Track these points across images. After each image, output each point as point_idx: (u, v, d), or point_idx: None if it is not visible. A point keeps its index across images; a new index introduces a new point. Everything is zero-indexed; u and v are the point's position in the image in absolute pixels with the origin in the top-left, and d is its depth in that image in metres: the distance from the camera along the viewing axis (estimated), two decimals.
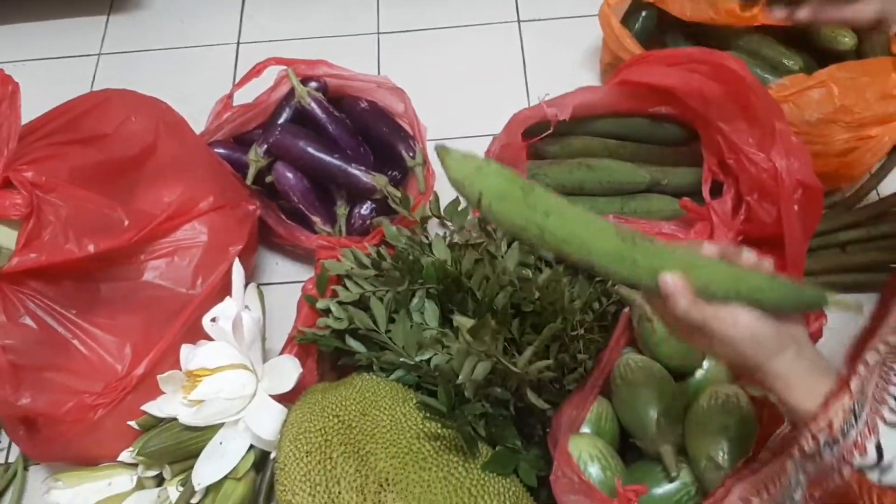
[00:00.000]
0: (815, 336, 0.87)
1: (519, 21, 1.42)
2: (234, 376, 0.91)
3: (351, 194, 1.12)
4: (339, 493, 0.75)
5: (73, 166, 0.89)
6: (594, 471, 0.78)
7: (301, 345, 0.95)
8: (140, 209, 0.94)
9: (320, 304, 0.93)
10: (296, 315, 0.97)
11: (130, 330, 0.91)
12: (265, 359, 0.95)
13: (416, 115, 1.12)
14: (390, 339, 0.88)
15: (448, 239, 0.96)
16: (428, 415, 0.81)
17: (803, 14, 0.74)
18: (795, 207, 0.92)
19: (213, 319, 0.93)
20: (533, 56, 1.37)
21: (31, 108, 0.91)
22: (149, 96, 1.03)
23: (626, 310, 0.90)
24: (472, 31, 1.41)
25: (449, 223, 1.01)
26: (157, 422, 0.92)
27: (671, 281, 0.56)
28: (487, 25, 1.42)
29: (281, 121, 1.13)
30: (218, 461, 0.89)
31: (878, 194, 1.13)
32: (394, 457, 0.76)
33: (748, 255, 0.59)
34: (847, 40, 1.08)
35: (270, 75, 1.15)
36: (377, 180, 1.07)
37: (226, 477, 0.89)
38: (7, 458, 1.03)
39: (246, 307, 0.97)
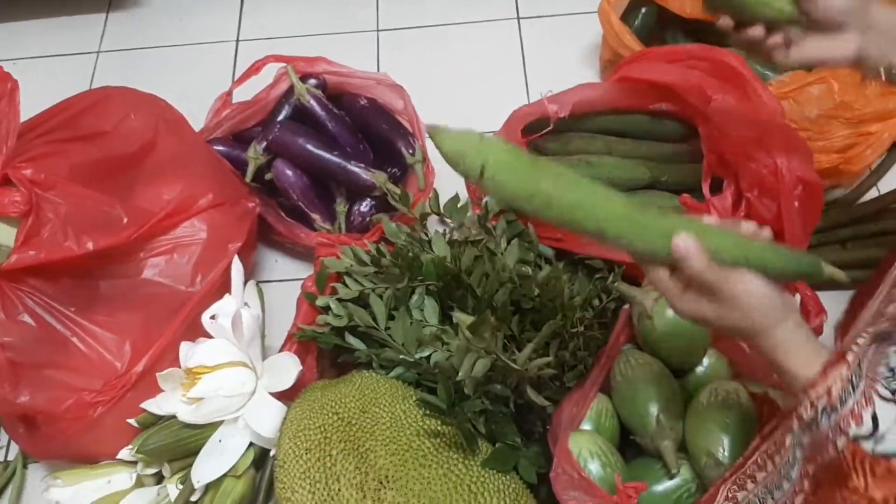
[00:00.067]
0: (817, 332, 0.87)
1: (518, 18, 1.42)
2: (233, 374, 0.91)
3: (350, 191, 1.12)
4: (339, 490, 0.75)
5: (73, 163, 0.89)
6: (594, 468, 0.78)
7: (300, 342, 0.94)
8: (139, 206, 0.94)
9: (320, 302, 0.93)
10: (295, 312, 0.97)
11: (130, 327, 0.91)
12: (265, 356, 0.95)
13: (416, 111, 1.12)
14: (390, 336, 0.88)
15: (448, 236, 0.96)
16: (427, 412, 0.81)
17: (779, 57, 0.73)
18: (796, 204, 0.92)
19: (213, 317, 0.93)
20: (533, 53, 1.37)
21: (31, 105, 0.91)
22: (148, 94, 1.03)
23: (626, 307, 0.90)
24: (472, 27, 1.41)
25: (448, 220, 1.01)
26: (157, 419, 0.92)
27: (685, 241, 0.56)
28: (487, 22, 1.42)
29: (280, 118, 1.13)
30: (217, 459, 0.89)
31: (878, 191, 1.13)
32: (393, 454, 0.76)
33: (748, 225, 0.60)
34: None
35: (270, 72, 1.15)
36: (377, 177, 1.07)
37: (225, 474, 0.89)
38: (6, 455, 1.03)
39: (245, 304, 0.96)
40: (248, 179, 1.10)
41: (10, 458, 1.02)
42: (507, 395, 0.85)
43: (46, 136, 0.90)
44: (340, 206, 1.12)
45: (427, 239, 0.97)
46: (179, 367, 0.92)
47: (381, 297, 0.89)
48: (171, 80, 1.35)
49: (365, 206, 1.11)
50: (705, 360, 0.88)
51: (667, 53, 1.04)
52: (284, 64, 1.13)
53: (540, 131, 1.07)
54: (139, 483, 0.93)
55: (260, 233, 1.10)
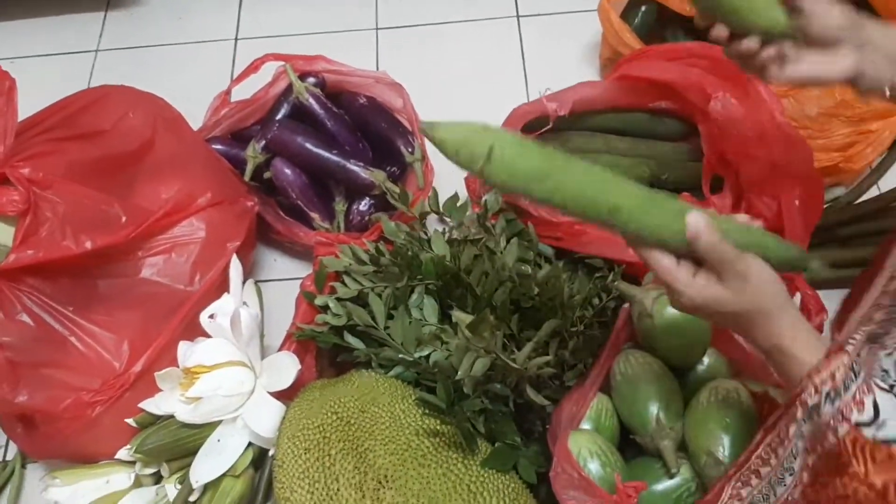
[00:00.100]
0: (817, 331, 0.86)
1: (518, 16, 1.42)
2: (232, 373, 0.90)
3: (349, 190, 1.12)
4: (338, 489, 0.75)
5: (71, 162, 0.89)
6: (594, 467, 0.78)
7: (299, 341, 0.94)
8: (137, 205, 0.94)
9: (319, 301, 0.93)
10: (294, 311, 0.97)
11: (128, 327, 0.91)
12: (263, 355, 0.95)
13: (415, 110, 1.12)
14: (389, 335, 0.87)
15: (447, 235, 0.96)
16: (427, 411, 0.81)
17: (773, 73, 0.73)
18: (796, 202, 0.92)
19: (211, 316, 0.93)
20: (532, 51, 1.36)
21: (29, 104, 0.91)
22: (146, 92, 1.03)
23: (626, 306, 0.90)
24: (471, 26, 1.41)
25: (448, 219, 1.01)
26: (155, 419, 0.92)
27: (698, 218, 0.57)
28: (486, 21, 1.41)
29: (279, 117, 1.13)
30: (216, 458, 0.89)
31: (878, 189, 1.13)
32: (392, 453, 0.76)
33: (742, 217, 0.62)
34: None
35: (268, 71, 1.14)
36: (376, 176, 1.07)
37: (224, 474, 0.89)
38: (5, 455, 1.03)
39: (244, 304, 0.96)
40: (246, 178, 1.10)
41: (9, 457, 1.02)
42: (507, 395, 0.84)
43: (44, 135, 0.90)
44: (339, 205, 1.12)
45: (426, 238, 0.97)
46: (178, 366, 0.91)
47: (380, 296, 0.89)
48: (169, 78, 1.35)
49: (364, 204, 1.11)
50: (705, 360, 0.88)
51: (667, 51, 1.04)
52: (283, 62, 1.13)
53: (539, 130, 1.07)
54: (138, 483, 0.93)
55: (259, 232, 1.10)
